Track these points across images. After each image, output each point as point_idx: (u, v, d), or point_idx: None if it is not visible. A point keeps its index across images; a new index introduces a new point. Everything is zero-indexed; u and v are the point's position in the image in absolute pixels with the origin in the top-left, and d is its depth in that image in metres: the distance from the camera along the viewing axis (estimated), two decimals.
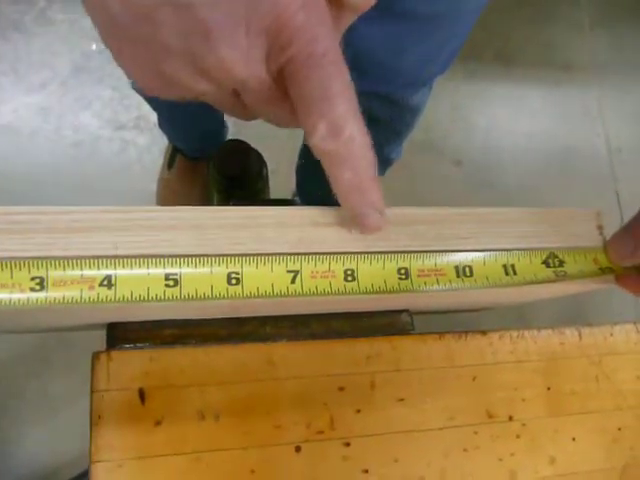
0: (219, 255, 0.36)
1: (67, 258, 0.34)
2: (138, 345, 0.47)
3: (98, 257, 0.34)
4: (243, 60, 0.29)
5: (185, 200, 1.22)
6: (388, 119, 0.83)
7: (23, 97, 1.38)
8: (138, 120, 1.45)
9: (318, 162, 0.34)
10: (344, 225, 0.38)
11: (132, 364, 0.46)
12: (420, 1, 0.56)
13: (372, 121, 0.79)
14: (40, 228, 0.34)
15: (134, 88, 0.81)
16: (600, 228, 0.45)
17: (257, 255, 0.36)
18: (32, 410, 1.21)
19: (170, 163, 1.23)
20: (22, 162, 1.33)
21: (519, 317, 1.25)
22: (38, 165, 1.32)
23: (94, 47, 1.45)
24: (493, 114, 1.67)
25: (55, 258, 0.34)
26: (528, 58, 1.80)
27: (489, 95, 1.71)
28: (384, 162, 0.97)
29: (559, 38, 1.85)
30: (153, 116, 1.44)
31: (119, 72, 1.37)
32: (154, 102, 0.96)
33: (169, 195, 1.24)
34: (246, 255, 0.36)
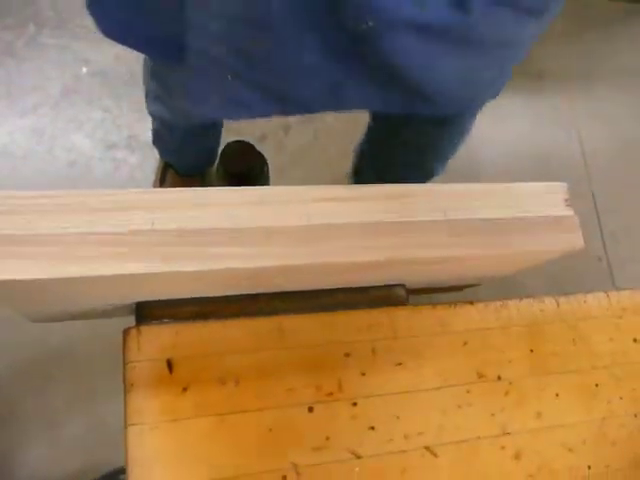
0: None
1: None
2: (164, 321, 0.54)
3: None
4: None
5: None
6: (442, 141, 0.89)
7: (16, 120, 1.45)
8: (129, 139, 1.52)
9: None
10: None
11: (160, 338, 0.53)
12: (491, 28, 0.56)
13: (426, 144, 0.85)
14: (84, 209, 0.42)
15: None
16: (566, 200, 0.53)
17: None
18: (34, 425, 1.25)
19: (162, 179, 1.29)
20: (17, 183, 1.40)
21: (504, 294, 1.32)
22: (33, 186, 1.38)
23: (84, 70, 1.52)
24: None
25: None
26: None
27: None
28: (429, 176, 0.99)
29: (532, 48, 1.97)
30: (144, 135, 1.52)
31: (109, 94, 1.49)
32: (167, 120, 1.00)
33: None
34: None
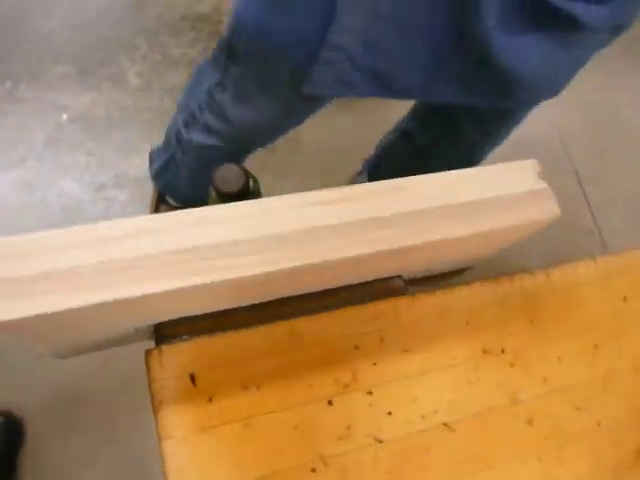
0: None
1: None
2: (183, 338, 0.57)
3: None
4: None
5: None
6: (499, 133, 0.93)
7: (4, 175, 1.49)
8: (117, 178, 1.56)
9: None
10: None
11: (180, 354, 0.57)
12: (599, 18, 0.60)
13: (486, 134, 0.90)
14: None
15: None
16: (539, 174, 0.57)
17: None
18: (52, 472, 1.27)
19: (155, 212, 1.34)
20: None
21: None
22: None
23: (64, 117, 1.57)
24: None
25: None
26: None
27: None
28: (476, 164, 1.05)
29: None
30: (130, 172, 1.56)
31: (90, 137, 1.54)
32: (185, 159, 1.06)
33: None
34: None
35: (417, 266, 0.63)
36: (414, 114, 1.08)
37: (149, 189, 1.54)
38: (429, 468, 0.59)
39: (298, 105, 0.77)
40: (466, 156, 0.96)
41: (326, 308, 0.61)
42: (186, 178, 1.16)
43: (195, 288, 0.47)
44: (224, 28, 0.75)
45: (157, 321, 0.57)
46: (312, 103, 0.78)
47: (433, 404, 0.60)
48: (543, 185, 0.57)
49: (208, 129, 0.91)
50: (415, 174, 1.02)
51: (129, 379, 1.30)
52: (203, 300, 0.53)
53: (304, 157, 1.55)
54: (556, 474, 0.61)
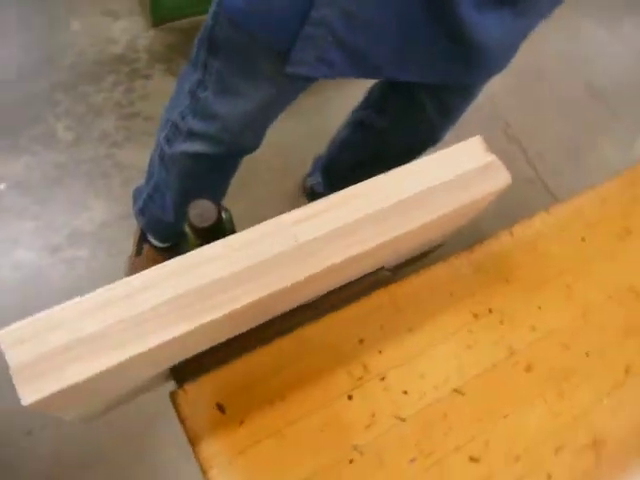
0: None
1: None
2: (202, 373, 0.61)
3: None
4: None
5: None
6: (459, 112, 0.99)
7: None
8: (71, 237, 1.55)
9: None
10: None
11: (204, 388, 0.61)
12: None
13: (446, 111, 0.95)
14: None
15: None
16: (485, 148, 0.64)
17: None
18: None
19: (138, 250, 1.37)
20: None
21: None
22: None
23: (2, 187, 1.55)
24: None
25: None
26: None
27: None
28: (435, 144, 1.10)
29: None
30: (84, 227, 1.56)
31: (33, 201, 1.55)
32: (202, 165, 1.06)
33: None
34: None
35: (397, 253, 0.69)
36: (370, 102, 1.12)
37: (107, 240, 1.55)
38: (451, 432, 0.64)
39: (283, 88, 0.81)
40: (427, 135, 1.01)
41: (323, 313, 0.66)
42: (170, 206, 1.17)
43: (209, 324, 0.51)
44: (203, 24, 0.78)
45: (172, 364, 0.61)
46: (296, 85, 0.82)
47: (441, 374, 0.66)
48: (491, 157, 0.63)
49: (193, 134, 0.93)
50: (374, 164, 1.08)
51: (130, 434, 1.31)
52: (213, 333, 0.57)
53: (260, 166, 1.58)
54: (561, 409, 0.68)
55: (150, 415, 1.33)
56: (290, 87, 0.82)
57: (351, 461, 0.61)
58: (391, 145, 1.10)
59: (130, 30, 1.81)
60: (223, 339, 0.62)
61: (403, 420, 0.64)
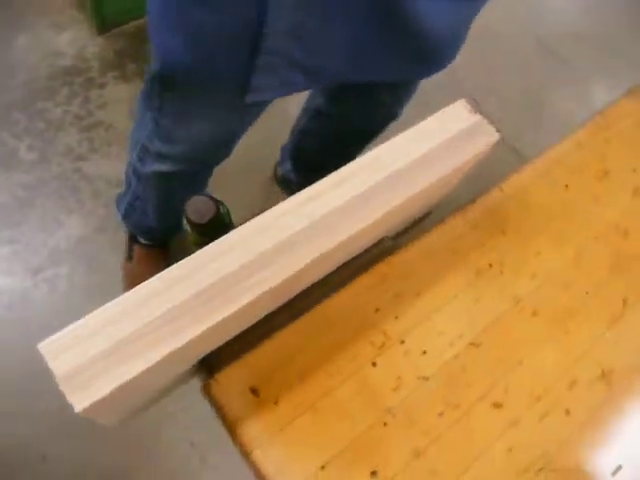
0: None
1: None
2: (230, 362, 0.63)
3: None
4: None
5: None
6: (413, 90, 1.00)
7: None
8: (50, 256, 1.54)
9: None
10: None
11: (234, 376, 0.63)
12: None
13: (400, 96, 0.96)
14: None
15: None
16: (470, 110, 0.67)
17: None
18: None
19: (129, 255, 1.37)
20: None
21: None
22: None
23: None
24: None
25: None
26: None
27: None
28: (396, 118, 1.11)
29: None
30: (61, 244, 1.55)
31: (6, 226, 1.54)
32: (163, 181, 1.06)
33: (134, 280, 1.36)
34: None
35: (399, 220, 0.72)
36: (325, 90, 1.12)
37: (86, 254, 1.54)
38: (472, 384, 0.68)
39: (244, 111, 0.81)
40: (386, 115, 1.04)
41: (337, 288, 0.68)
42: (152, 213, 1.18)
43: (243, 308, 0.53)
44: (150, 60, 0.77)
45: (200, 357, 0.62)
46: (258, 107, 0.82)
47: (455, 330, 0.70)
48: (477, 117, 0.66)
49: (161, 156, 0.94)
50: (339, 145, 1.10)
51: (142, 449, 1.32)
52: (239, 321, 0.59)
53: (229, 160, 1.59)
54: (570, 347, 0.72)
55: (155, 423, 1.34)
56: (251, 109, 0.82)
57: (385, 424, 0.64)
58: (351, 128, 1.12)
59: (77, 40, 1.78)
60: (246, 326, 0.64)
61: (426, 379, 0.67)
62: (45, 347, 0.48)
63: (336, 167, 0.59)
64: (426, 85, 1.06)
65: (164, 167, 0.95)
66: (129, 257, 1.40)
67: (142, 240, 1.38)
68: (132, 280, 1.39)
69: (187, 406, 1.33)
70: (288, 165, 1.47)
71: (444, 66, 0.81)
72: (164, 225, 1.27)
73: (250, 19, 0.61)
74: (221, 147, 0.95)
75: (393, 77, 0.77)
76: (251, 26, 0.62)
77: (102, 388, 0.47)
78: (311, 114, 1.21)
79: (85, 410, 0.47)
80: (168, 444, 1.35)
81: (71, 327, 0.50)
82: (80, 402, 0.47)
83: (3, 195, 1.59)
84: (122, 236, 1.49)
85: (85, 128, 1.67)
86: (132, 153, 1.03)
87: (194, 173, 1.02)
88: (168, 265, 0.53)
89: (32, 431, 1.41)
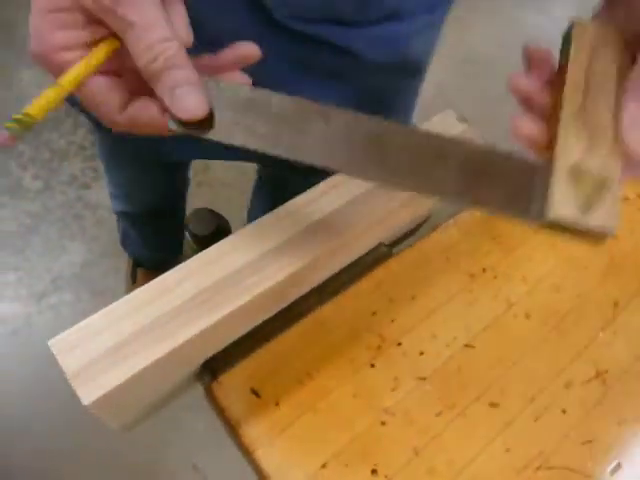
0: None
1: None
2: (232, 365, 0.66)
3: None
4: None
5: None
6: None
7: None
8: (54, 282, 1.58)
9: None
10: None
11: (236, 378, 0.65)
12: None
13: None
14: None
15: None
16: (458, 119, 0.71)
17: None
18: None
19: (133, 279, 1.41)
20: None
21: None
22: None
23: None
24: None
25: None
26: None
27: None
28: None
29: None
30: (65, 271, 1.59)
31: (10, 253, 1.59)
32: (130, 220, 1.10)
33: None
34: None
35: (396, 226, 0.75)
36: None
37: (89, 280, 1.57)
38: (469, 384, 0.70)
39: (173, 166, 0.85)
40: None
41: (334, 293, 0.71)
42: (144, 246, 1.23)
43: (236, 310, 0.56)
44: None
45: (202, 361, 0.65)
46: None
47: (451, 333, 0.72)
48: (465, 126, 0.70)
49: (112, 196, 1.00)
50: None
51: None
52: (240, 322, 0.62)
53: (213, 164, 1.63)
54: (563, 348, 0.75)
55: (157, 449, 1.35)
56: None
57: (383, 423, 0.66)
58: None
59: None
60: (246, 331, 0.67)
61: (424, 379, 0.69)
62: (55, 343, 0.51)
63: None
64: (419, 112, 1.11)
65: (120, 207, 1.00)
66: (133, 281, 1.44)
67: (144, 265, 1.43)
68: None
69: (188, 432, 1.35)
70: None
71: None
72: (159, 254, 1.32)
73: None
74: (155, 194, 0.97)
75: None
76: None
77: (111, 381, 0.50)
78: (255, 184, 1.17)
79: (92, 404, 0.49)
80: (171, 470, 1.36)
81: (80, 325, 0.53)
82: (88, 396, 0.49)
83: (9, 223, 1.64)
84: (125, 261, 1.52)
85: (89, 158, 1.73)
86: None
87: (153, 215, 1.05)
88: None
89: (40, 445, 1.43)
